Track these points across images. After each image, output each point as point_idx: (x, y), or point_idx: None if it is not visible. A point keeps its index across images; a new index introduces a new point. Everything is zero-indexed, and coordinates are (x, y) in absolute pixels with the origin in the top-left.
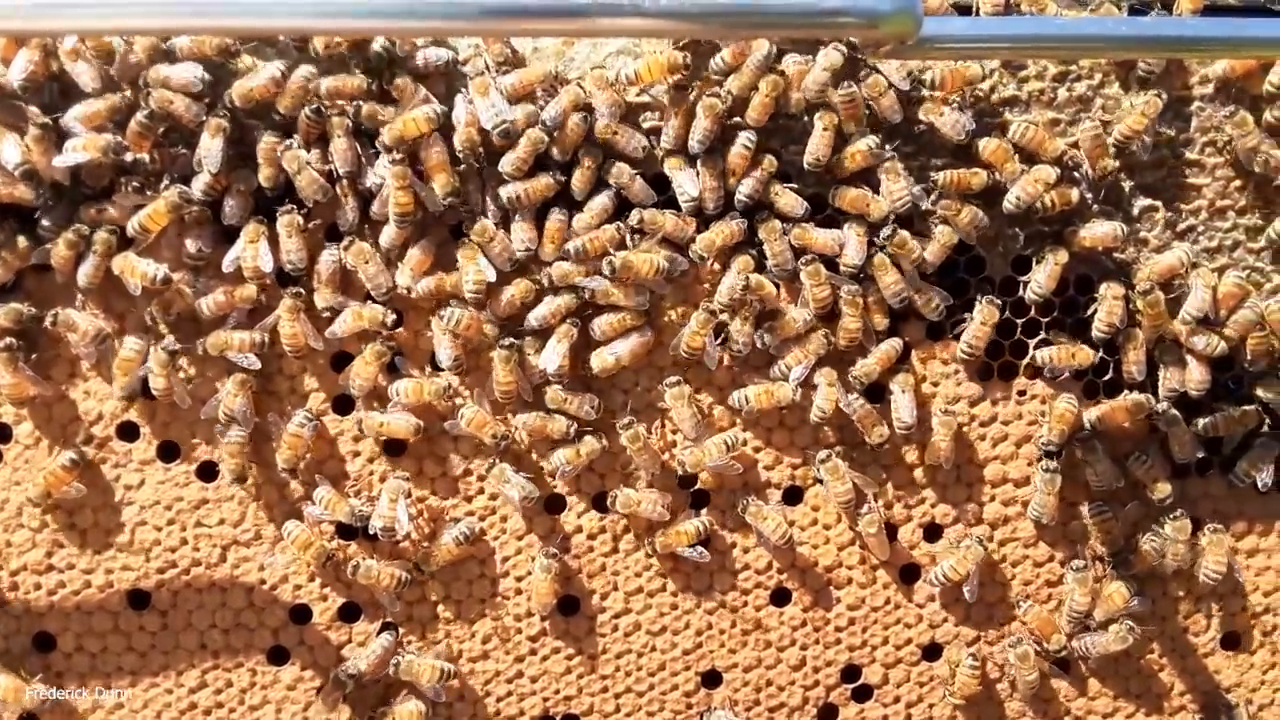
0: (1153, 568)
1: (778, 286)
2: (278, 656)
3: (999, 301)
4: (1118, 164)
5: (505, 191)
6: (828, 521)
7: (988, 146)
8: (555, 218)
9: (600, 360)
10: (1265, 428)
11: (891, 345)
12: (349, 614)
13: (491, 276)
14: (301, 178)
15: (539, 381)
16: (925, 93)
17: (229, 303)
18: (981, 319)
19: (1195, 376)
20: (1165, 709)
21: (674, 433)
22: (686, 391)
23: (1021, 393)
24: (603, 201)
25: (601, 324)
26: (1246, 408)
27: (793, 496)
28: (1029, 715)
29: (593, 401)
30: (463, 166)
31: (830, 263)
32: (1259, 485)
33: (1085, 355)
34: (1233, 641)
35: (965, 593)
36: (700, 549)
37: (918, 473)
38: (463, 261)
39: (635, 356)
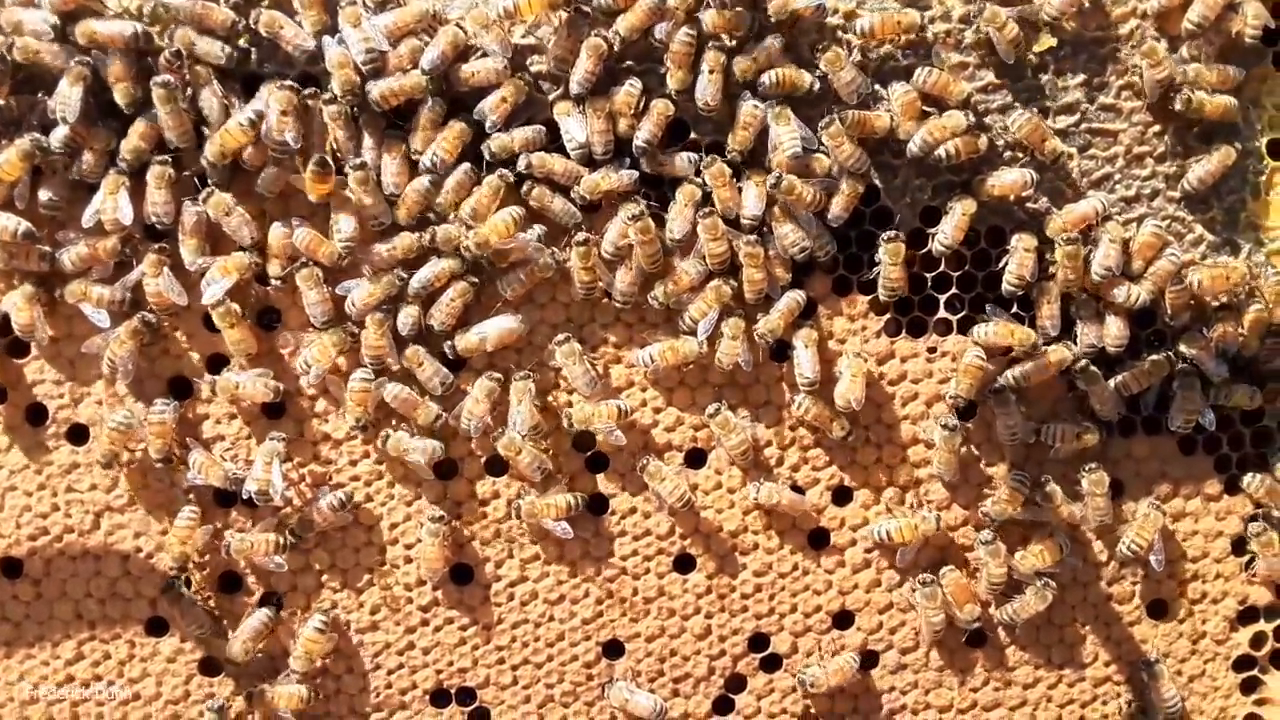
0: (1073, 526)
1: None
2: (157, 628)
3: (901, 235)
4: (1068, 149)
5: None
6: (732, 485)
7: (895, 93)
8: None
9: (465, 341)
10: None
11: (793, 298)
12: (230, 584)
13: (349, 230)
14: (168, 118)
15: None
16: (849, 36)
17: (92, 255)
18: (890, 258)
19: (1113, 331)
20: (1089, 679)
21: (570, 393)
22: (577, 349)
23: (932, 350)
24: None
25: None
26: (1155, 357)
27: (696, 460)
28: (943, 687)
29: (446, 377)
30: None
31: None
32: (1205, 425)
33: (1025, 335)
34: (1159, 610)
35: (896, 557)
36: (565, 525)
37: (827, 436)
38: (334, 214)
39: (502, 340)
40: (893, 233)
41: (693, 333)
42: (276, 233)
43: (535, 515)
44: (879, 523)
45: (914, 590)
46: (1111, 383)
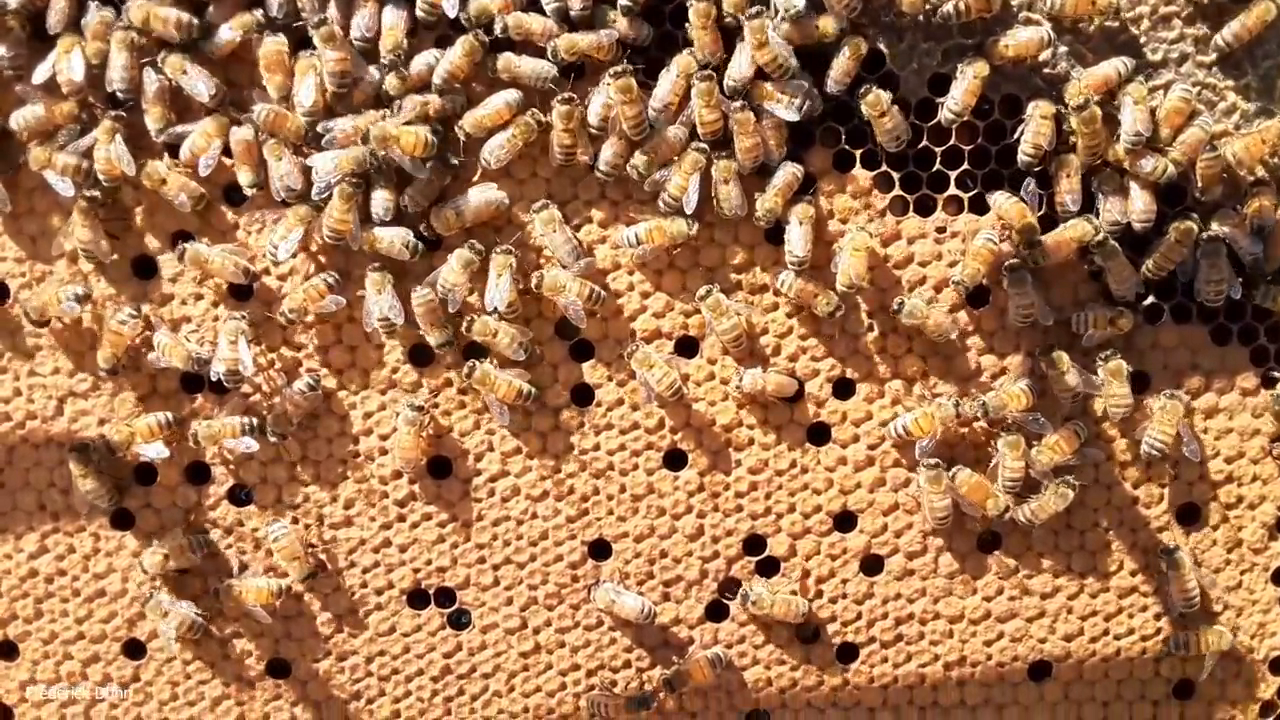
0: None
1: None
2: (122, 520)
3: (875, 88)
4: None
5: None
6: (725, 375)
7: None
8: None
9: (441, 215)
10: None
11: (789, 173)
12: (197, 474)
13: (308, 102)
14: None
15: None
16: None
17: (48, 119)
18: (870, 109)
19: (1139, 206)
20: (1114, 589)
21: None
22: (557, 215)
23: (941, 230)
24: None
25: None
26: (1179, 224)
27: (687, 349)
28: (953, 595)
29: (409, 240)
30: None
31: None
32: (1233, 296)
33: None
34: (1191, 514)
35: (916, 451)
36: (505, 410)
37: (827, 323)
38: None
39: (479, 215)
40: (865, 86)
41: (677, 212)
42: (238, 135)
43: (485, 385)
44: (895, 421)
45: (918, 473)
46: (1144, 265)
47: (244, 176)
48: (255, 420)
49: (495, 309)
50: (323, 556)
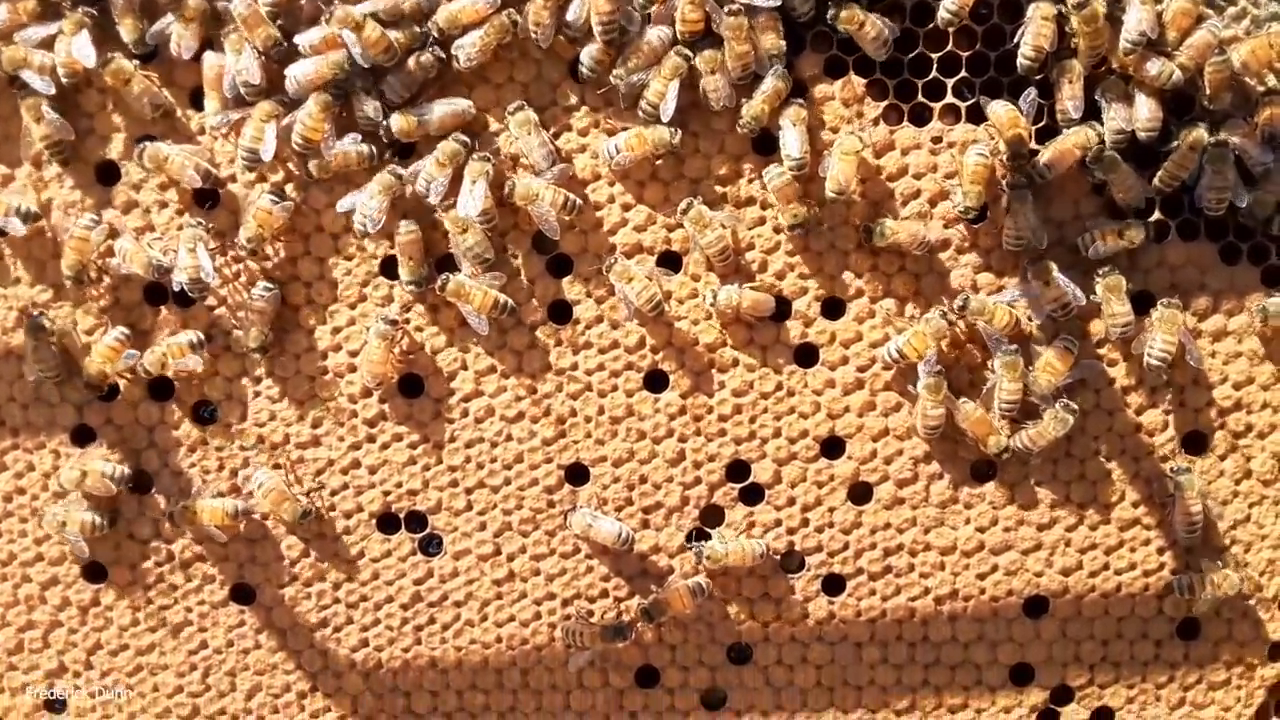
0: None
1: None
2: (82, 436)
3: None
4: None
5: None
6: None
7: None
8: None
9: (402, 120)
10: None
11: (777, 80)
12: (160, 391)
13: None
14: None
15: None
16: None
17: (12, 19)
18: (852, 24)
19: (1144, 113)
20: (1115, 521)
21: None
22: (532, 118)
23: (937, 140)
24: None
25: None
26: (1189, 131)
27: (671, 265)
28: (945, 526)
29: (362, 149)
30: None
31: None
32: (1240, 205)
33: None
34: (1197, 443)
35: (919, 371)
36: (483, 321)
37: (816, 238)
38: None
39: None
40: (834, 6)
41: (654, 119)
42: (210, 60)
43: (460, 297)
44: (887, 345)
45: (918, 380)
46: (1155, 180)
47: (211, 104)
48: (201, 336)
49: (468, 217)
50: (318, 504)
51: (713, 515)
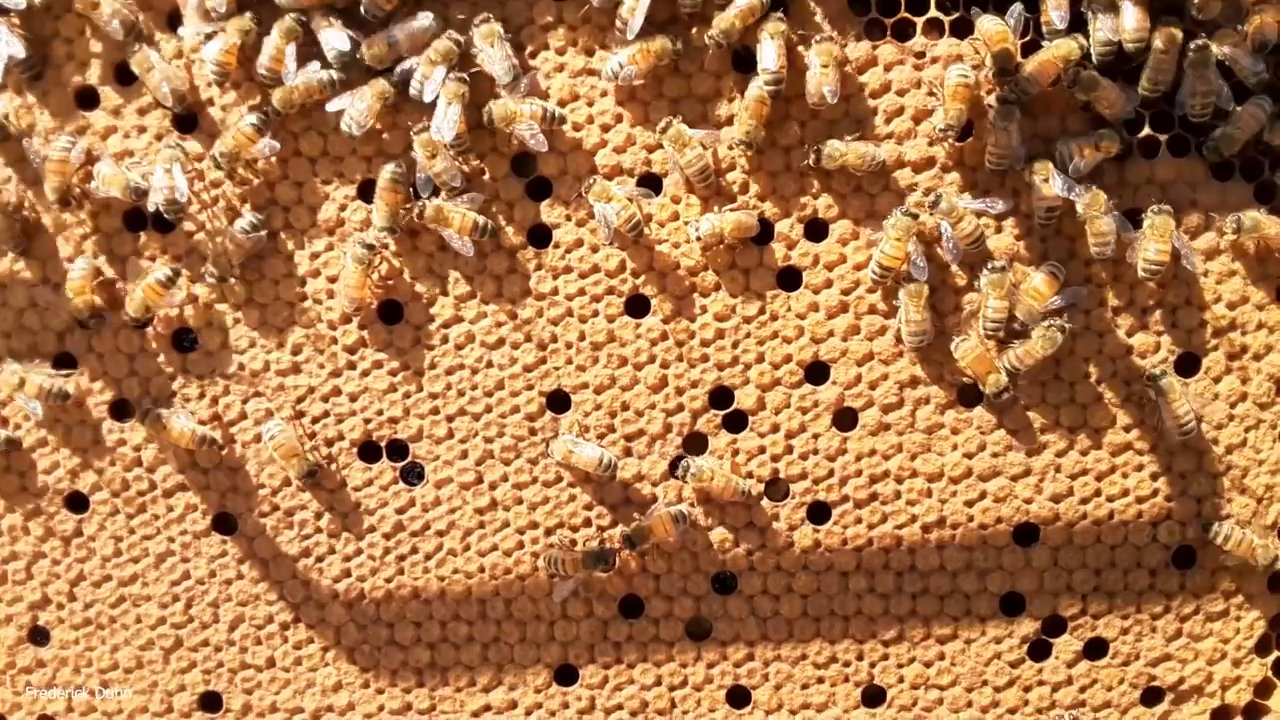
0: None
1: None
2: (64, 363)
3: None
4: None
5: None
6: (690, 216)
7: None
8: None
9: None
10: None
11: None
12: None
13: None
14: None
15: None
16: None
17: None
18: None
19: (1130, 23)
20: (1106, 446)
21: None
22: (497, 30)
23: (920, 55)
24: None
25: None
26: (1161, 31)
27: (652, 186)
28: (932, 452)
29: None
30: None
31: None
32: (1223, 109)
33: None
34: (1190, 365)
35: (912, 270)
36: (467, 243)
37: (798, 157)
38: None
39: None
40: None
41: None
42: None
43: (439, 221)
44: (869, 265)
45: (899, 289)
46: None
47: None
48: (174, 270)
49: (442, 140)
50: (321, 458)
51: (696, 442)
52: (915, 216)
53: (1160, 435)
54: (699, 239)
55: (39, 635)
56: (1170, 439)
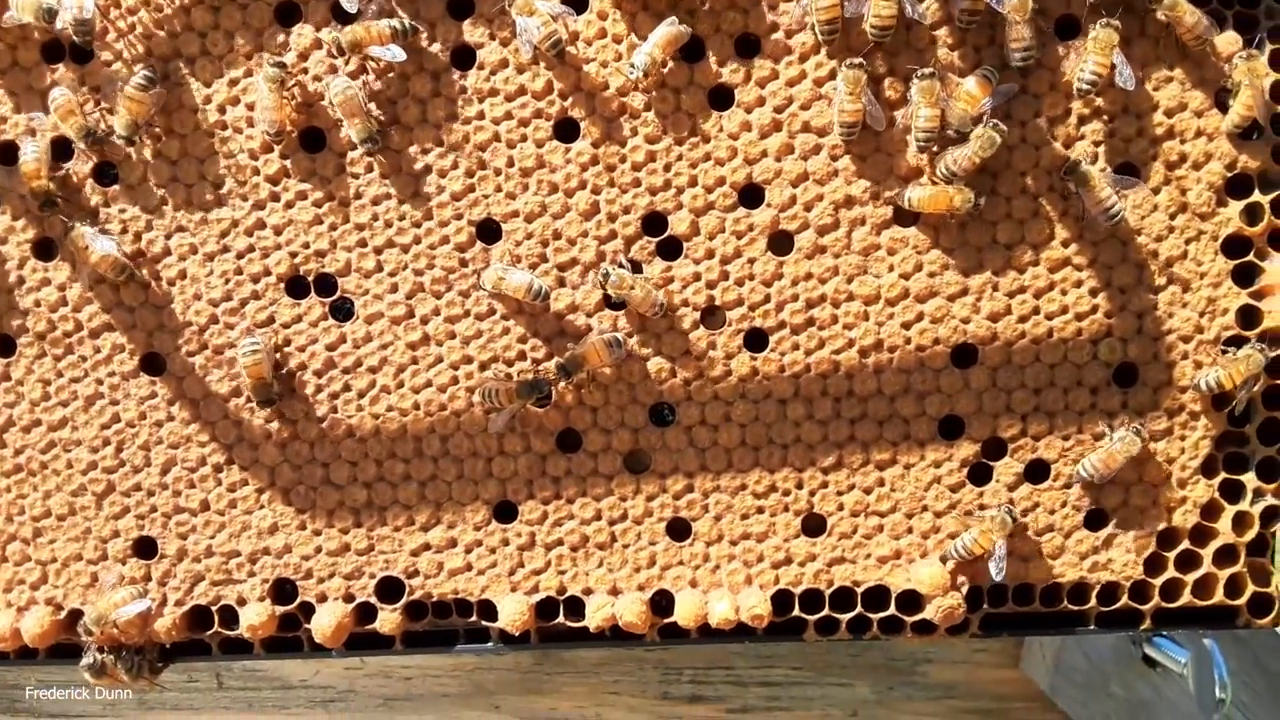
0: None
1: None
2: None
3: None
4: None
5: None
6: (618, 33)
7: None
8: None
9: None
10: None
11: None
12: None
13: None
14: None
15: None
16: None
17: None
18: None
19: None
20: (1044, 261)
21: None
22: None
23: None
24: None
25: None
26: None
27: (576, 5)
28: (869, 274)
29: None
30: None
31: None
32: None
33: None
34: (1128, 174)
35: (869, 120)
36: (397, 50)
37: None
38: None
39: None
40: None
41: None
42: None
43: (358, 43)
44: (834, 111)
45: (837, 71)
46: None
47: None
48: (151, 71)
49: None
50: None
51: (630, 270)
52: (865, 72)
53: (1089, 227)
54: (643, 76)
55: None
56: (1098, 228)
